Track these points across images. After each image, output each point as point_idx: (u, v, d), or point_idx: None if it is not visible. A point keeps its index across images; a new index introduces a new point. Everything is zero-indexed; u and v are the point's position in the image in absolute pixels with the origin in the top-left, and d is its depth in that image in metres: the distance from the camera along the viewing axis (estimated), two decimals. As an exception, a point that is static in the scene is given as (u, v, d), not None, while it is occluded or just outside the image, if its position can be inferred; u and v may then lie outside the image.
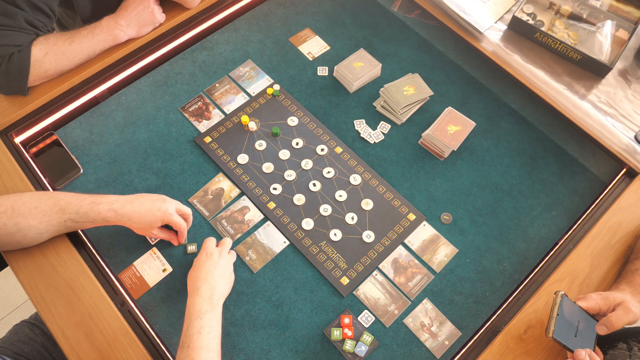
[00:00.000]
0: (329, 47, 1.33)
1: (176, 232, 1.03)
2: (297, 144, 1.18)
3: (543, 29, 1.32)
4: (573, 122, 1.21)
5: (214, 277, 0.93)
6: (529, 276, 1.04)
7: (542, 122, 1.24)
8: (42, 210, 0.92)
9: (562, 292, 0.88)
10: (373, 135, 1.20)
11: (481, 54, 1.31)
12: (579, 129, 1.21)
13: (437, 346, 0.97)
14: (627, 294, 0.90)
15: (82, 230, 1.05)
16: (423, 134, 1.18)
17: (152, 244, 1.05)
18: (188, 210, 1.02)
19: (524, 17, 1.32)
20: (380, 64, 1.26)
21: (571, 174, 1.17)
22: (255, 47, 1.32)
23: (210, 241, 0.99)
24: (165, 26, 1.28)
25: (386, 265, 1.05)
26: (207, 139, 1.18)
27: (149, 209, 0.96)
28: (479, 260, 1.06)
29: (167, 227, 1.02)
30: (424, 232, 1.09)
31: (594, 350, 0.88)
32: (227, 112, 1.22)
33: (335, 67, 1.26)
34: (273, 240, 1.07)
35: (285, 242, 1.06)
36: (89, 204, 0.94)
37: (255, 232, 1.07)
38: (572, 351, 0.86)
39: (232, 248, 1.05)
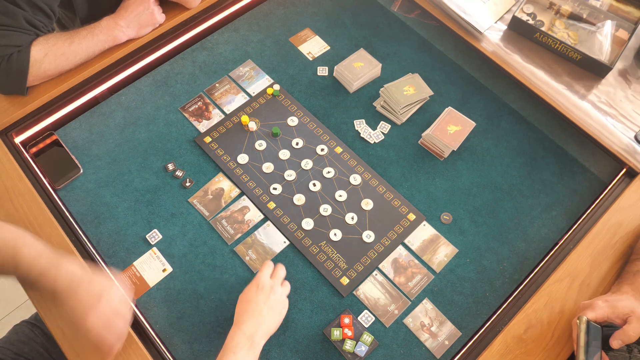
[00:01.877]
0: (329, 47, 1.33)
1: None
2: (297, 144, 1.18)
3: (543, 29, 1.32)
4: (573, 122, 1.21)
5: (262, 314, 0.88)
6: (529, 276, 1.04)
7: (542, 122, 1.24)
8: (0, 256, 0.85)
9: (586, 318, 0.87)
10: (373, 135, 1.20)
11: (481, 54, 1.31)
12: (579, 129, 1.21)
13: (437, 346, 0.97)
14: (632, 298, 0.89)
15: (82, 230, 1.05)
16: (423, 134, 1.18)
17: (152, 243, 1.05)
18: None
19: (524, 17, 1.32)
20: (380, 64, 1.26)
21: (571, 174, 1.17)
22: (255, 47, 1.32)
23: (265, 272, 0.94)
24: (165, 26, 1.28)
25: (386, 265, 1.05)
26: (207, 139, 1.18)
27: (81, 301, 0.84)
28: (479, 260, 1.06)
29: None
30: (424, 232, 1.09)
31: (600, 356, 0.87)
32: (227, 112, 1.22)
33: (335, 67, 1.26)
34: (273, 240, 1.07)
35: (285, 242, 1.06)
36: (38, 272, 0.85)
37: (255, 232, 1.07)
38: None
39: (233, 247, 1.05)
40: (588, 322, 0.87)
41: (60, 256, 0.87)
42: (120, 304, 0.87)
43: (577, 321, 0.88)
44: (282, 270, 0.98)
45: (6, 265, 0.85)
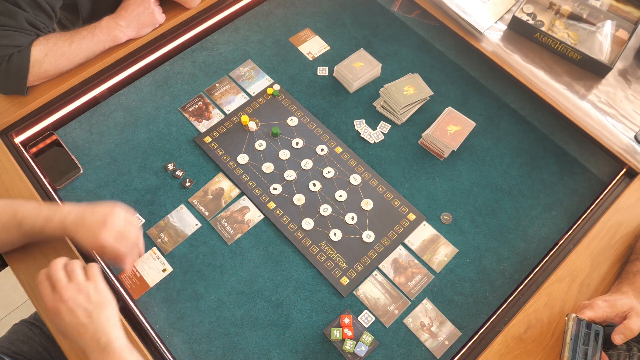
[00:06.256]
0: (329, 47, 1.33)
1: None
2: (297, 144, 1.18)
3: (543, 29, 1.32)
4: (573, 122, 1.21)
5: (80, 323, 0.78)
6: (529, 276, 1.04)
7: (542, 122, 1.24)
8: (2, 222, 0.91)
9: (574, 316, 0.88)
10: (373, 135, 1.20)
11: (481, 54, 1.31)
12: (579, 129, 1.21)
13: (437, 346, 0.97)
14: (632, 297, 0.89)
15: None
16: (423, 134, 1.18)
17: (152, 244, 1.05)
18: (134, 237, 0.94)
19: (524, 17, 1.32)
20: (380, 64, 1.26)
21: (571, 174, 1.17)
22: (255, 47, 1.32)
23: (53, 271, 0.82)
24: (165, 26, 1.28)
25: (386, 265, 1.05)
26: (207, 139, 1.18)
27: (91, 226, 0.89)
28: (479, 260, 1.06)
29: None
30: (424, 232, 1.09)
31: (600, 356, 0.87)
32: (227, 112, 1.22)
33: (335, 67, 1.26)
34: (185, 222, 1.07)
35: (197, 224, 1.07)
36: (43, 220, 0.90)
37: (168, 216, 1.08)
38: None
39: (149, 233, 1.05)
40: (580, 321, 0.87)
41: (56, 204, 0.93)
42: (127, 217, 0.94)
43: (566, 318, 0.88)
44: (71, 266, 0.84)
45: (10, 226, 0.91)
